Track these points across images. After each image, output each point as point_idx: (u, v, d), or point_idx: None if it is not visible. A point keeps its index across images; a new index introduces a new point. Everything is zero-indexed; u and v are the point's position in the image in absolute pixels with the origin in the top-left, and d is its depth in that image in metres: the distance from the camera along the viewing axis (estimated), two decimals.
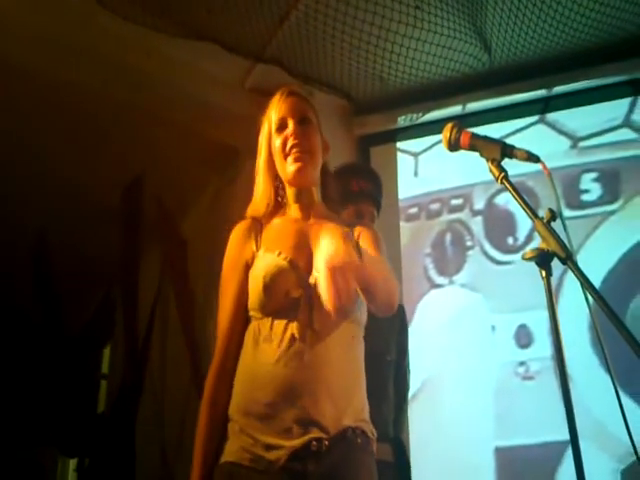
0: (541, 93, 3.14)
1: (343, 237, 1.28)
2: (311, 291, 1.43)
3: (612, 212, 2.92)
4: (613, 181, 2.95)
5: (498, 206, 3.11)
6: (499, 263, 3.04)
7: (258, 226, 1.57)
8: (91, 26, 2.72)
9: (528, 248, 1.21)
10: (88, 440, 3.71)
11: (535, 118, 3.17)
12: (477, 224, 3.14)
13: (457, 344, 2.93)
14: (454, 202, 3.21)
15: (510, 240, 3.05)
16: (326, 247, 1.27)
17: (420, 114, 3.29)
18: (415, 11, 2.79)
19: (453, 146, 1.36)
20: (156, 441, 3.57)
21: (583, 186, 3.00)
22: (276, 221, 1.58)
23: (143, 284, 3.64)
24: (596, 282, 2.97)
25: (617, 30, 2.87)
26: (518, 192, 1.25)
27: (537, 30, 2.87)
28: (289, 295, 1.42)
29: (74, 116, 3.25)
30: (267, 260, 1.46)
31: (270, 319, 1.43)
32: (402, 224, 3.25)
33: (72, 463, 5.10)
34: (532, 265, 1.20)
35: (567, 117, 3.11)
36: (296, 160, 1.54)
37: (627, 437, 1.12)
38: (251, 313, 1.47)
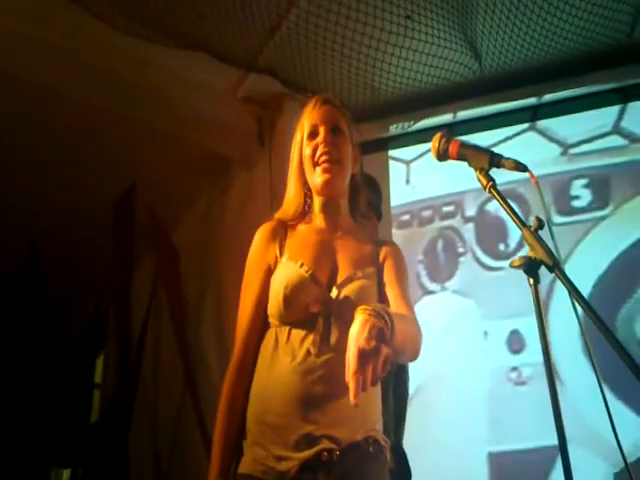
0: (531, 101, 3.16)
1: (375, 314, 1.21)
2: (331, 306, 1.43)
3: (602, 218, 2.94)
4: (603, 187, 2.97)
5: (489, 213, 3.12)
6: (491, 269, 3.06)
7: (283, 230, 1.57)
8: (82, 36, 2.73)
9: (519, 254, 1.22)
10: (81, 450, 3.69)
11: (525, 125, 3.19)
12: (469, 231, 3.15)
13: (449, 350, 2.93)
14: (446, 209, 3.22)
15: (502, 246, 3.07)
16: (356, 328, 1.19)
17: (412, 122, 3.31)
18: (406, 21, 2.81)
19: (442, 156, 1.38)
20: (149, 450, 3.56)
21: (573, 192, 3.02)
22: (301, 228, 1.58)
23: (136, 293, 3.64)
24: (586, 287, 2.99)
25: (606, 38, 2.90)
26: (506, 201, 1.26)
27: (527, 39, 2.90)
28: (308, 309, 1.42)
29: (65, 126, 3.25)
30: (289, 270, 1.47)
31: (288, 328, 1.43)
32: (394, 231, 3.26)
33: (66, 473, 5.08)
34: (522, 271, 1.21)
35: (557, 124, 3.13)
36: (325, 171, 1.54)
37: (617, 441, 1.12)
38: (270, 319, 1.48)
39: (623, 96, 3.05)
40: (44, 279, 3.90)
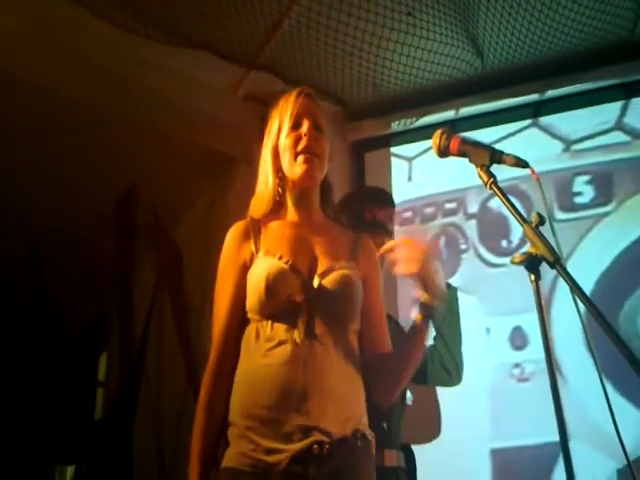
0: (533, 97, 3.15)
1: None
2: (313, 295, 1.43)
3: (605, 214, 2.93)
4: (606, 183, 2.97)
5: (492, 209, 3.12)
6: (493, 266, 3.06)
7: (257, 227, 1.55)
8: (82, 35, 2.72)
9: (522, 251, 1.21)
10: (85, 447, 3.71)
11: (528, 122, 3.18)
12: (471, 227, 3.15)
13: None
14: (448, 206, 3.22)
15: (504, 243, 3.06)
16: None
17: (414, 119, 3.30)
18: (407, 18, 2.80)
19: (443, 152, 1.38)
20: (153, 448, 3.57)
21: (576, 189, 3.01)
22: (275, 224, 1.57)
23: (138, 292, 3.65)
24: (589, 284, 2.98)
25: (608, 34, 2.89)
26: (507, 197, 1.26)
27: (529, 35, 2.89)
28: (291, 299, 1.41)
29: (66, 126, 3.25)
30: (268, 263, 1.45)
31: (270, 322, 1.41)
32: (396, 228, 3.25)
33: (70, 470, 5.09)
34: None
35: (560, 120, 3.12)
36: (307, 161, 1.53)
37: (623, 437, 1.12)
38: (249, 315, 1.46)
39: (626, 92, 3.04)
40: (46, 279, 3.91)
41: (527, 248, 1.20)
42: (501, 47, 2.97)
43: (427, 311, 1.46)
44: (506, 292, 2.90)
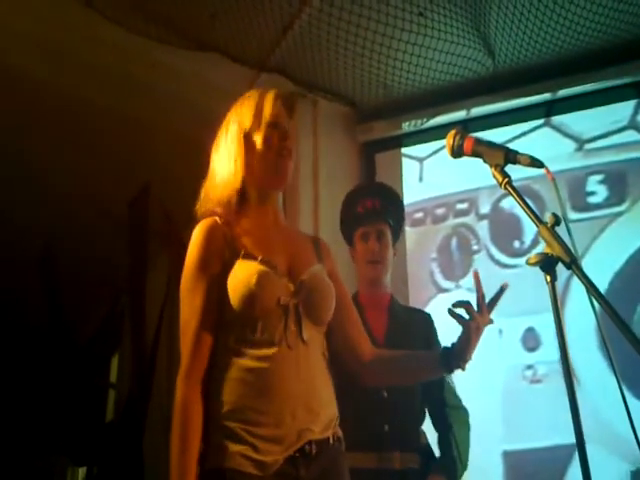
0: (546, 96, 3.13)
1: None
2: (298, 298, 1.43)
3: (619, 214, 2.91)
4: (619, 183, 2.94)
5: (504, 210, 3.10)
6: (505, 267, 3.04)
7: (229, 226, 1.49)
8: (95, 39, 2.74)
9: (534, 251, 1.21)
10: (97, 448, 3.72)
11: (540, 121, 3.17)
12: (483, 228, 3.14)
13: None
14: (460, 206, 3.21)
15: (516, 244, 3.05)
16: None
17: (425, 120, 3.29)
18: (418, 18, 2.80)
19: (456, 153, 1.37)
20: (164, 449, 3.57)
21: (589, 188, 2.99)
22: (245, 223, 1.51)
23: (150, 293, 3.66)
24: (603, 284, 2.96)
25: (621, 33, 2.87)
26: (522, 197, 1.25)
27: (540, 34, 2.88)
28: (279, 302, 1.40)
29: (80, 128, 3.27)
30: (251, 267, 1.41)
31: (259, 325, 1.38)
32: (408, 229, 3.25)
33: (81, 471, 5.12)
34: (538, 268, 1.20)
35: (572, 120, 3.10)
36: (285, 161, 1.52)
37: (637, 439, 1.11)
38: (235, 319, 1.41)
39: (638, 91, 3.01)
40: (59, 280, 3.93)
41: (541, 249, 1.20)
42: (512, 46, 2.96)
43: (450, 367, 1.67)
44: (519, 293, 2.87)
